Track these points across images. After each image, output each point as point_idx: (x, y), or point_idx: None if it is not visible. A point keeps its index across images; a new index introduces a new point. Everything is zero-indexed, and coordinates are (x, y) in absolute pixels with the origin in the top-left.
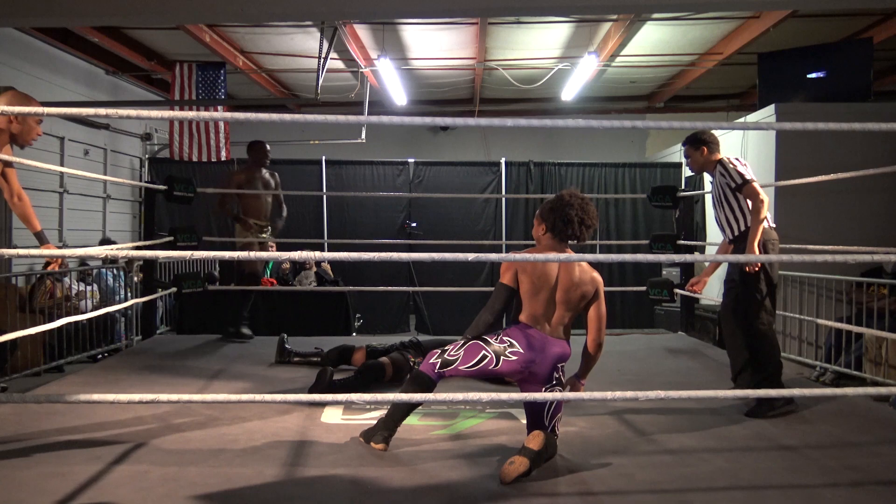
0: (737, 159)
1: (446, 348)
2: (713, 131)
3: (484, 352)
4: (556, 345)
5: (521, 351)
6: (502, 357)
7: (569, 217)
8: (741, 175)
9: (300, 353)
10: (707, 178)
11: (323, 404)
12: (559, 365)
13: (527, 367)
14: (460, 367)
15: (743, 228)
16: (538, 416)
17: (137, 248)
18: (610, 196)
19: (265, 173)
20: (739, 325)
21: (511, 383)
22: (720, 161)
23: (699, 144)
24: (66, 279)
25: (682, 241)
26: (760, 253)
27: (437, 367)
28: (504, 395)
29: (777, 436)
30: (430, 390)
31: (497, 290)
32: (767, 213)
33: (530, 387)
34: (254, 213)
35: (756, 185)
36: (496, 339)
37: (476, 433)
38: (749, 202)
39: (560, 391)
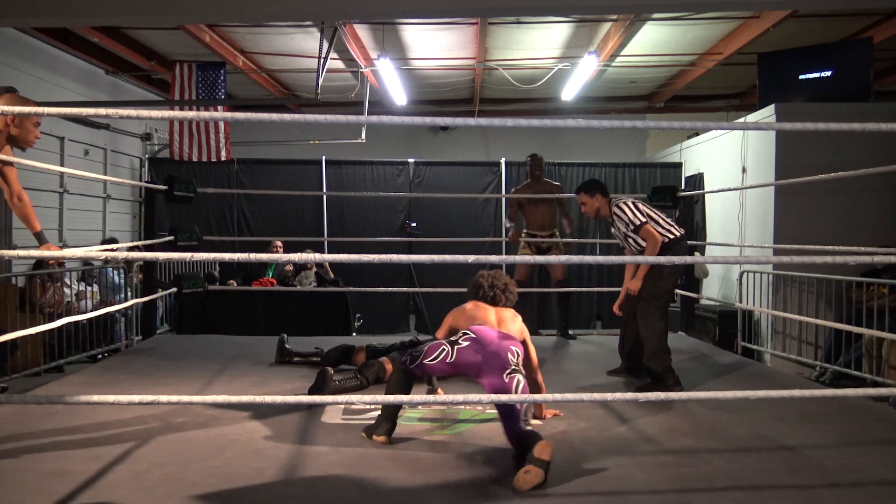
0: (628, 203)
1: (412, 351)
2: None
3: (442, 346)
4: (506, 335)
5: (473, 336)
6: (456, 346)
7: (479, 283)
8: (632, 221)
9: (300, 353)
10: (706, 178)
11: (323, 405)
12: (514, 349)
13: (481, 350)
14: (425, 361)
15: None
16: (512, 413)
17: (136, 248)
18: (610, 196)
19: (546, 183)
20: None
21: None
22: (616, 205)
23: (594, 191)
24: (65, 278)
25: None
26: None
27: (408, 363)
28: (504, 397)
29: (777, 436)
30: (411, 381)
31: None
32: (670, 229)
33: (492, 375)
34: (533, 224)
35: (650, 226)
36: (452, 336)
37: (476, 434)
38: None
39: (521, 377)
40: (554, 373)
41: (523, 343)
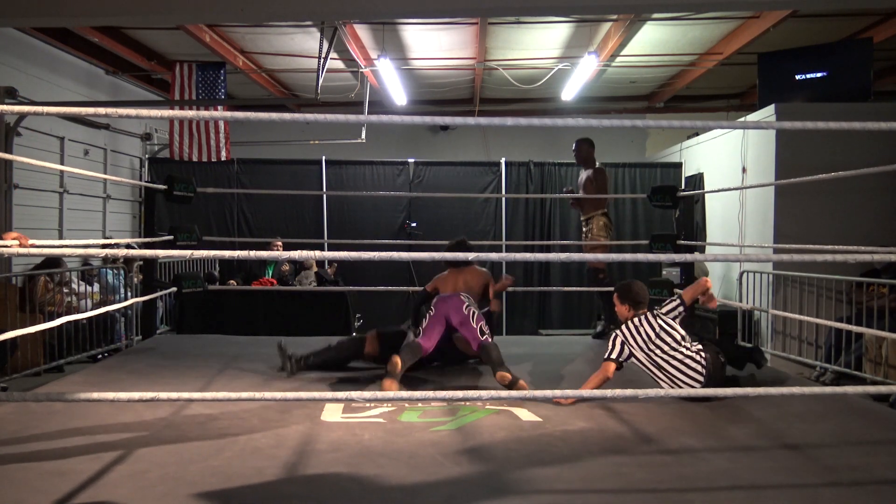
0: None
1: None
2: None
3: (427, 314)
4: (457, 293)
5: (437, 298)
6: (432, 305)
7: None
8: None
9: (311, 356)
10: (706, 178)
11: (323, 402)
12: (462, 296)
13: (449, 300)
14: (424, 328)
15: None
16: (474, 332)
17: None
18: (610, 196)
19: (591, 172)
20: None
21: (468, 357)
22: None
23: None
24: (66, 278)
25: (682, 241)
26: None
27: (413, 336)
28: (504, 393)
29: (777, 435)
30: (420, 353)
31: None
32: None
33: (457, 313)
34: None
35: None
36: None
37: (475, 430)
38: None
39: (474, 308)
40: (556, 373)
41: (485, 285)
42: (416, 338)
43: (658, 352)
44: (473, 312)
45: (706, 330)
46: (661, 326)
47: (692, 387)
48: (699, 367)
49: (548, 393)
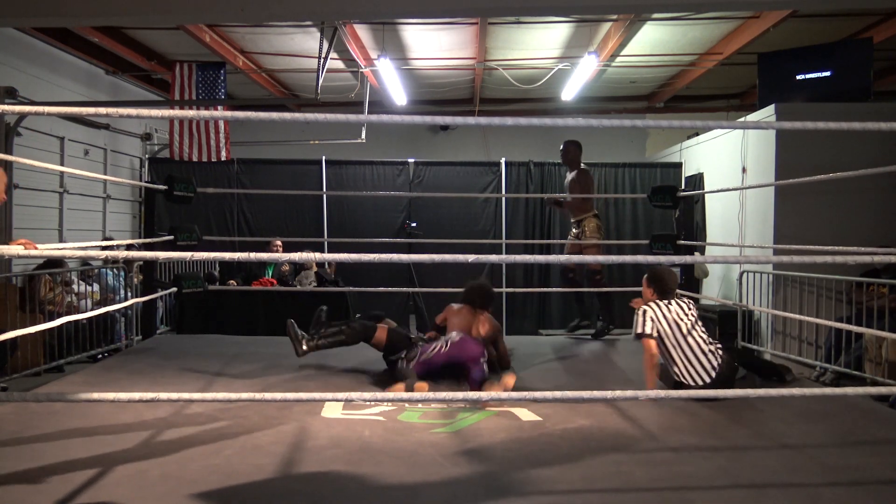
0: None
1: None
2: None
3: (434, 343)
4: (475, 338)
5: (455, 337)
6: (450, 341)
7: (475, 292)
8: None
9: (322, 335)
10: (706, 178)
11: (323, 401)
12: (477, 345)
13: (461, 343)
14: (421, 357)
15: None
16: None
17: (132, 247)
18: (610, 196)
19: (574, 173)
20: None
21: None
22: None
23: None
24: (68, 278)
25: (681, 241)
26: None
27: (409, 363)
28: (504, 395)
29: (777, 435)
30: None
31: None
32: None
33: (471, 360)
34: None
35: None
36: (445, 336)
37: (475, 431)
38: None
39: (484, 361)
40: (556, 373)
41: (495, 338)
42: (412, 363)
43: (685, 331)
44: (484, 366)
45: (706, 330)
46: (693, 314)
47: (703, 378)
48: (714, 363)
49: (547, 394)
